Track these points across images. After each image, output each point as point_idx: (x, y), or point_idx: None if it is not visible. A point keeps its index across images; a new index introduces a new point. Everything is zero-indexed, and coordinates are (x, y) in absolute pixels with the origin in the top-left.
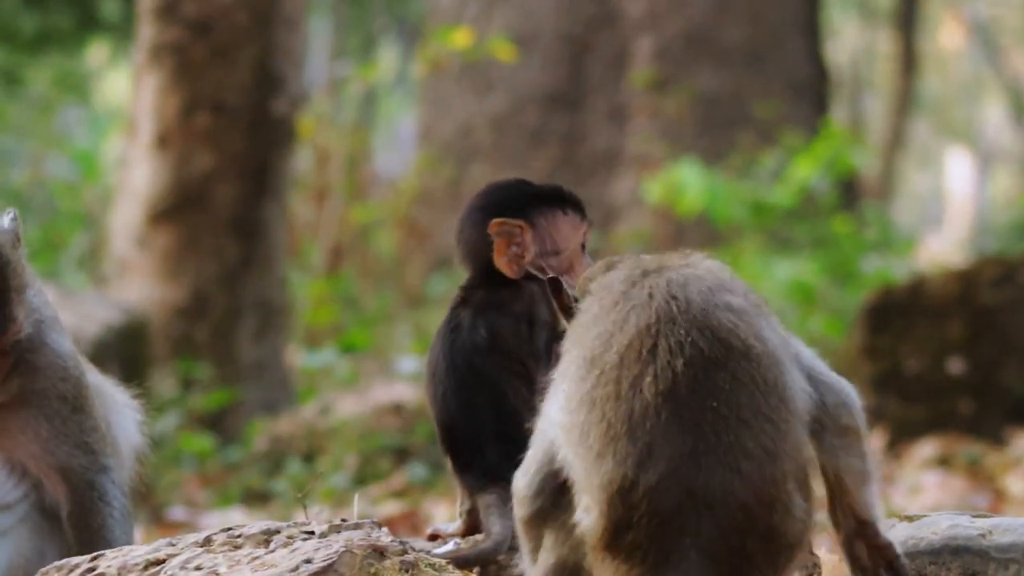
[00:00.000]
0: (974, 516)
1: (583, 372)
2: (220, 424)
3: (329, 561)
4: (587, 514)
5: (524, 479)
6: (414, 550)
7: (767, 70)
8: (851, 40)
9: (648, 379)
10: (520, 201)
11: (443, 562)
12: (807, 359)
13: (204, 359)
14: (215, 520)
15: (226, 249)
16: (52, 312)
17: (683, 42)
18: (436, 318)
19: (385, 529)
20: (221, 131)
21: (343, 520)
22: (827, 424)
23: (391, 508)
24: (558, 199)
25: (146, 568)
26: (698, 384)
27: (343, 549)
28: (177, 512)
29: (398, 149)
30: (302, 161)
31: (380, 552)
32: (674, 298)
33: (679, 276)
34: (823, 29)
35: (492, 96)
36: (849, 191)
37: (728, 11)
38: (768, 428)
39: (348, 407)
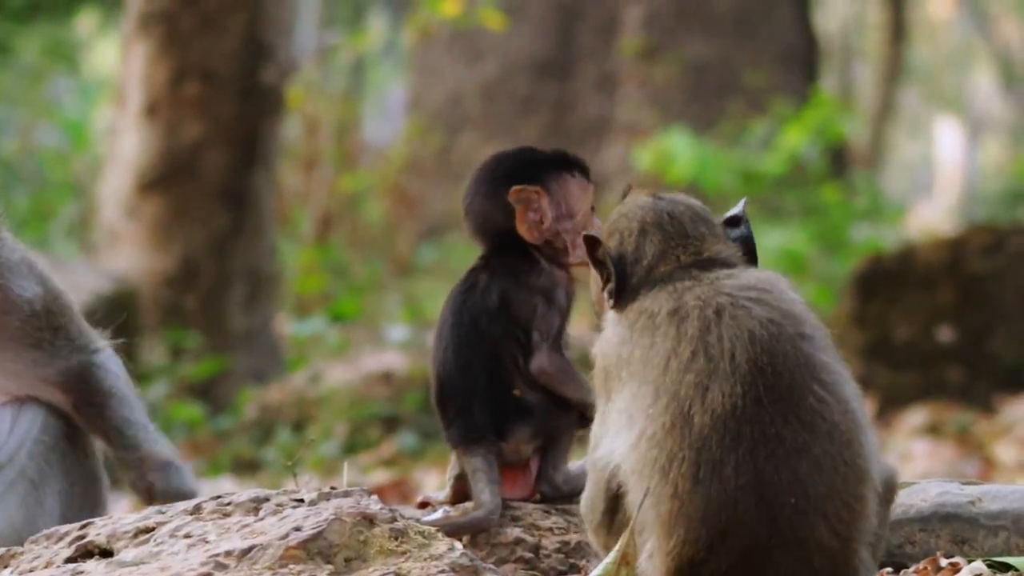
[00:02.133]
0: (963, 483)
1: (660, 437)
2: (210, 393)
3: (318, 529)
4: (649, 562)
5: (591, 512)
6: (403, 518)
7: (757, 38)
8: (841, 8)
9: (729, 469)
10: (531, 167)
11: (432, 530)
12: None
13: (193, 328)
14: (205, 488)
15: (215, 218)
16: (19, 255)
17: (673, 10)
18: (426, 286)
19: (375, 497)
20: (210, 100)
21: (332, 488)
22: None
23: (380, 476)
24: (565, 163)
25: (136, 536)
26: (779, 476)
27: (332, 517)
28: None
29: (387, 118)
30: (291, 130)
31: (370, 520)
32: (760, 371)
33: (761, 331)
34: None
35: (482, 64)
36: (838, 159)
37: None
38: (844, 514)
39: (337, 376)
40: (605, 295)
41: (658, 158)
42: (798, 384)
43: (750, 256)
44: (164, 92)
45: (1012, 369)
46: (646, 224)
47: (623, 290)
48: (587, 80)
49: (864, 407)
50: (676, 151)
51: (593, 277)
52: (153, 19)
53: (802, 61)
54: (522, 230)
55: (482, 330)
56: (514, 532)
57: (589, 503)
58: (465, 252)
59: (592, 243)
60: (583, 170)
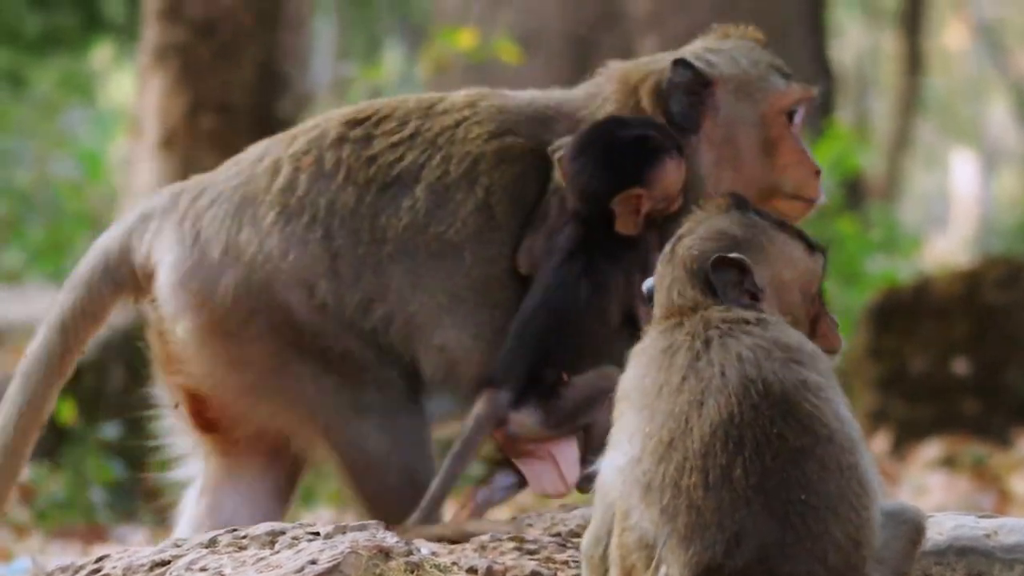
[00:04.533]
0: (979, 516)
1: (661, 452)
2: None
3: (334, 562)
4: None
5: (592, 546)
6: (418, 551)
7: None
8: (856, 40)
9: (738, 471)
10: (635, 160)
11: (448, 563)
12: None
13: None
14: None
15: None
16: None
17: (688, 41)
18: None
19: (390, 531)
20: (226, 132)
21: (348, 522)
22: None
23: None
24: (665, 146)
25: (152, 569)
26: (787, 474)
27: (348, 550)
28: None
29: None
30: None
31: (385, 553)
32: (751, 381)
33: (748, 352)
34: (827, 29)
35: None
36: (854, 191)
37: (732, 10)
38: (852, 516)
39: None
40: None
41: None
42: (790, 392)
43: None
44: (180, 124)
45: None
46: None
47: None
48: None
49: (859, 427)
50: None
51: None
52: (169, 51)
53: (817, 93)
54: (620, 227)
55: (570, 305)
56: (529, 565)
57: (593, 537)
58: None
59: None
60: (679, 149)
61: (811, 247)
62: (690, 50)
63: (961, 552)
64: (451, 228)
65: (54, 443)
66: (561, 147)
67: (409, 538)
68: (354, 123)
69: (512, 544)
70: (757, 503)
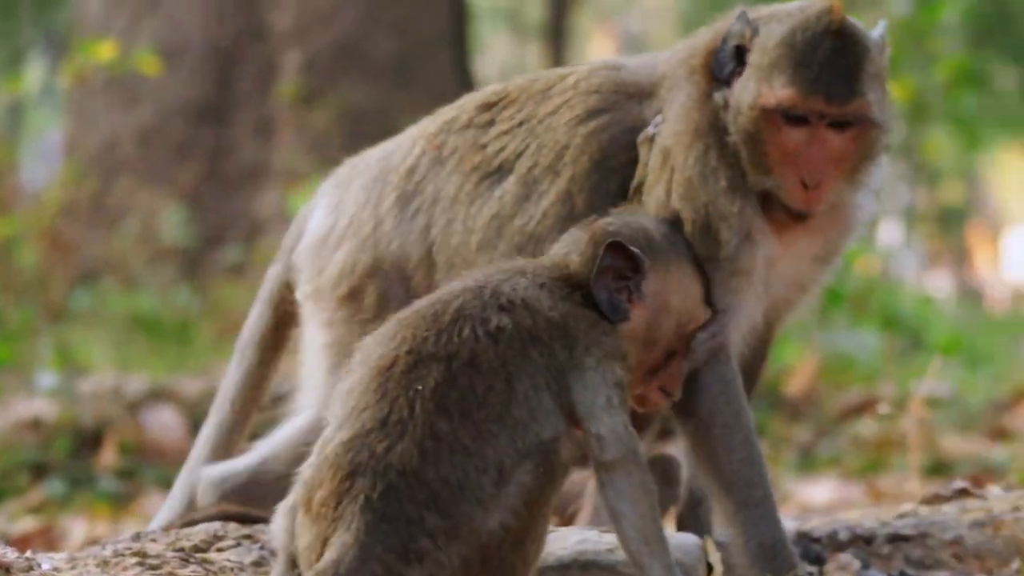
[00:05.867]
0: (602, 531)
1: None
2: None
3: None
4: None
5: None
6: (39, 566)
7: (415, 84)
8: (501, 53)
9: (376, 354)
10: None
11: None
12: (587, 396)
13: None
14: None
15: None
16: None
17: (331, 55)
18: (79, 332)
19: (10, 547)
20: None
21: None
22: (596, 460)
23: (28, 524)
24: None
25: None
26: (413, 372)
27: None
28: None
29: (45, 162)
30: None
31: (6, 569)
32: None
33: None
34: (471, 43)
35: (138, 109)
36: None
37: (376, 25)
38: (469, 428)
39: None
40: None
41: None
42: (478, 320)
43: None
44: None
45: None
46: None
47: None
48: (244, 125)
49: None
50: None
51: None
52: None
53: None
54: None
55: None
56: None
57: None
58: (119, 298)
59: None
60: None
61: (710, 299)
62: (773, 7)
63: (585, 567)
64: (533, 220)
65: None
66: (649, 132)
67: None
68: (485, 107)
69: (135, 559)
70: (375, 383)
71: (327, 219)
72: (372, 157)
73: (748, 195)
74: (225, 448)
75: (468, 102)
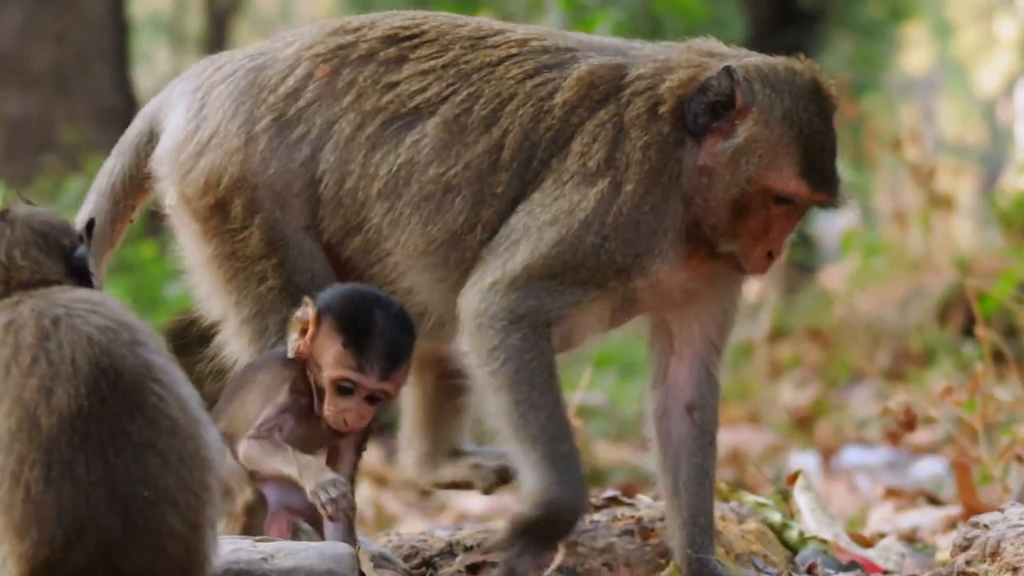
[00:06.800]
0: (257, 540)
1: (7, 442)
2: None
3: None
4: (3, 569)
5: None
6: None
7: (73, 95)
8: (160, 66)
9: (81, 467)
10: None
11: None
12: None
13: None
14: None
15: None
16: None
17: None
18: None
19: None
20: None
21: None
22: None
23: None
24: None
25: None
26: (130, 470)
27: None
28: None
29: None
30: None
31: None
32: (102, 371)
33: (98, 334)
34: (130, 55)
35: None
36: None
37: (34, 35)
38: (192, 501)
39: None
40: None
41: None
42: (138, 384)
43: (83, 276)
44: None
45: None
46: None
47: None
48: None
49: (202, 405)
50: None
51: None
52: None
53: (119, 119)
54: None
55: None
56: None
57: None
58: None
59: None
60: None
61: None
62: (753, 64)
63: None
64: (451, 170)
65: None
66: None
67: None
68: (392, 40)
69: None
70: (99, 498)
71: (189, 123)
72: (236, 62)
73: (675, 244)
74: None
75: (372, 27)
